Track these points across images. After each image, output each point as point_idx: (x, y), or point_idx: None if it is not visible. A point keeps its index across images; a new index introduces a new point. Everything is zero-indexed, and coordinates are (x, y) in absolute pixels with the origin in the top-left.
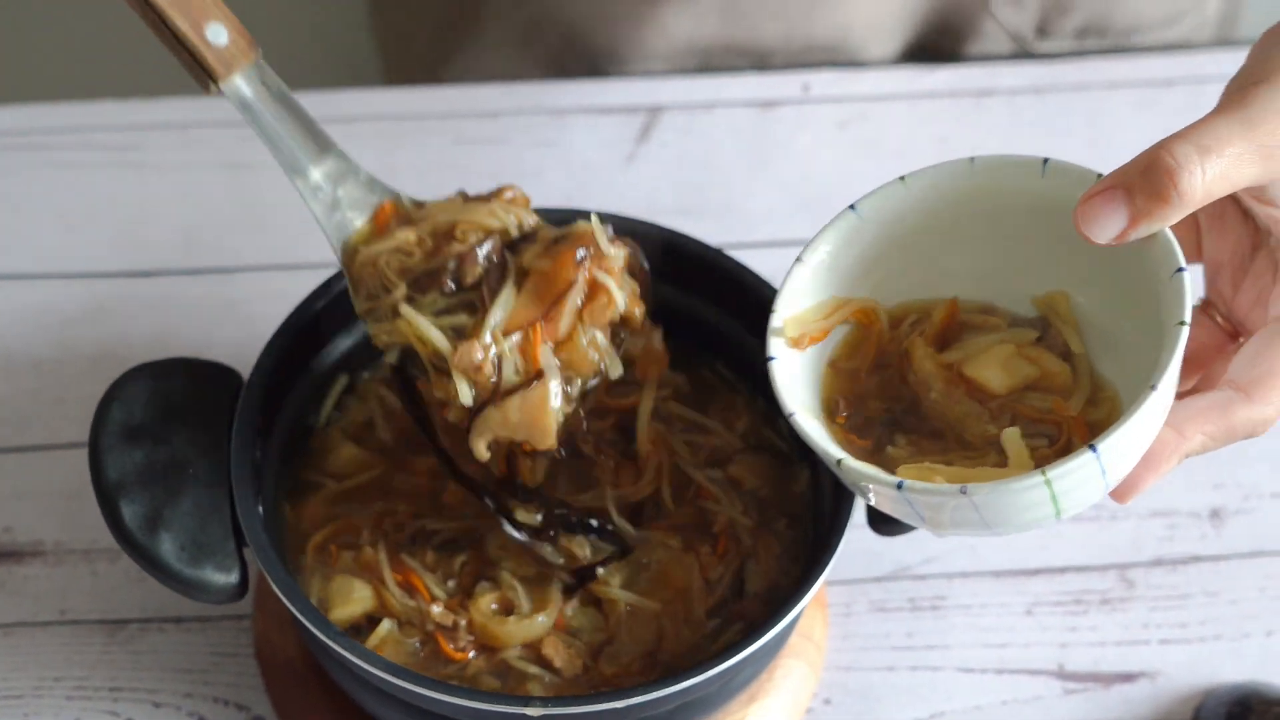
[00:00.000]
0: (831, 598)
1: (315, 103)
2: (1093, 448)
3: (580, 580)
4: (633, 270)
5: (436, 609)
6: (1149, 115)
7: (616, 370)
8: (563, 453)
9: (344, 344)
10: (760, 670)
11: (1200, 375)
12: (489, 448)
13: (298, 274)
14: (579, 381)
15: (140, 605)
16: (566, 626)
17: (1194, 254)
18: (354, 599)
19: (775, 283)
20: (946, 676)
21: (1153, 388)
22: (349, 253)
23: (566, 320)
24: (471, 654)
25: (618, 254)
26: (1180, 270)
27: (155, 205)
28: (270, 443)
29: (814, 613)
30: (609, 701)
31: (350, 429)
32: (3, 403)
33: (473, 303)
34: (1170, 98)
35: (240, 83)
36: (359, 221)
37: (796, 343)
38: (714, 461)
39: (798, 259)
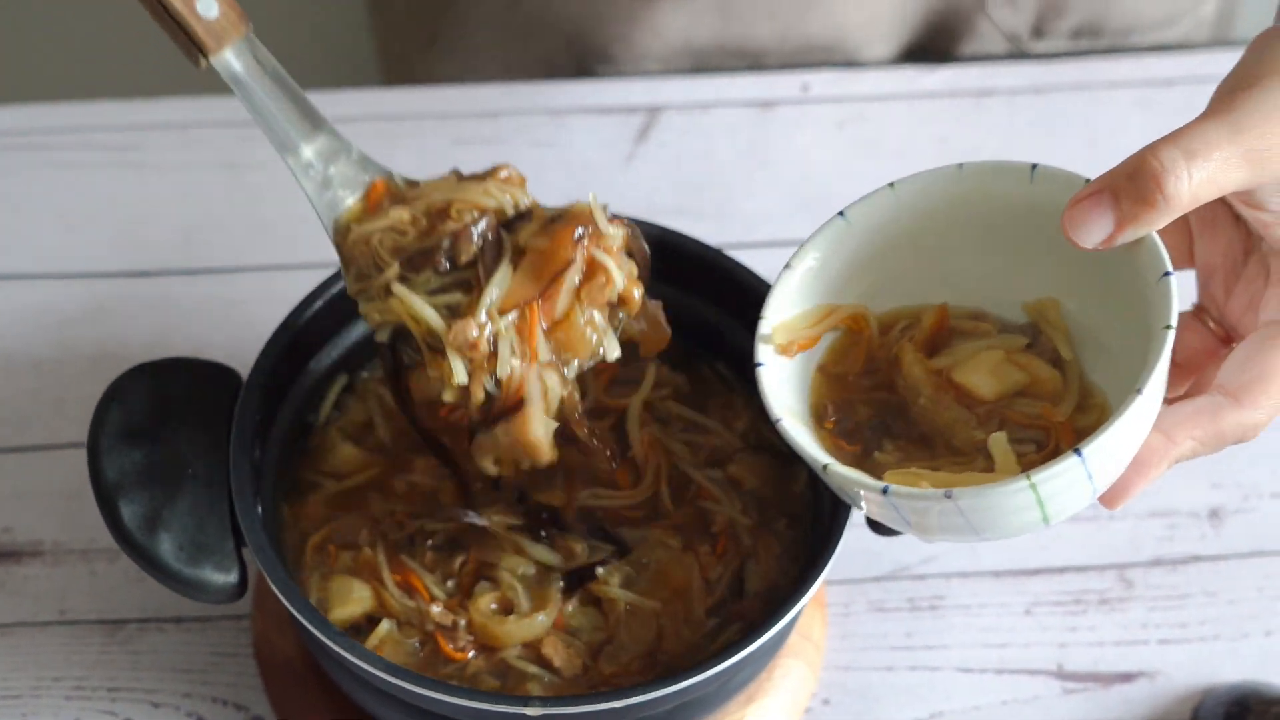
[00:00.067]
0: (830, 597)
1: (314, 103)
2: (1078, 452)
3: (579, 579)
4: (631, 251)
5: (436, 609)
6: (1149, 115)
7: (615, 351)
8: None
9: (343, 344)
10: (759, 670)
11: (1192, 381)
12: (494, 462)
13: (297, 274)
14: (576, 363)
15: (139, 605)
16: (566, 626)
17: (1186, 259)
18: (353, 599)
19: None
20: (945, 676)
21: (1138, 391)
22: (341, 231)
23: (564, 299)
24: (471, 654)
25: (616, 233)
26: (1167, 274)
27: (155, 205)
28: (269, 443)
29: (813, 612)
30: (608, 701)
31: (349, 429)
32: (3, 403)
33: (467, 281)
34: (1170, 98)
35: (231, 57)
36: (351, 200)
37: (785, 350)
38: (713, 461)
39: (786, 265)
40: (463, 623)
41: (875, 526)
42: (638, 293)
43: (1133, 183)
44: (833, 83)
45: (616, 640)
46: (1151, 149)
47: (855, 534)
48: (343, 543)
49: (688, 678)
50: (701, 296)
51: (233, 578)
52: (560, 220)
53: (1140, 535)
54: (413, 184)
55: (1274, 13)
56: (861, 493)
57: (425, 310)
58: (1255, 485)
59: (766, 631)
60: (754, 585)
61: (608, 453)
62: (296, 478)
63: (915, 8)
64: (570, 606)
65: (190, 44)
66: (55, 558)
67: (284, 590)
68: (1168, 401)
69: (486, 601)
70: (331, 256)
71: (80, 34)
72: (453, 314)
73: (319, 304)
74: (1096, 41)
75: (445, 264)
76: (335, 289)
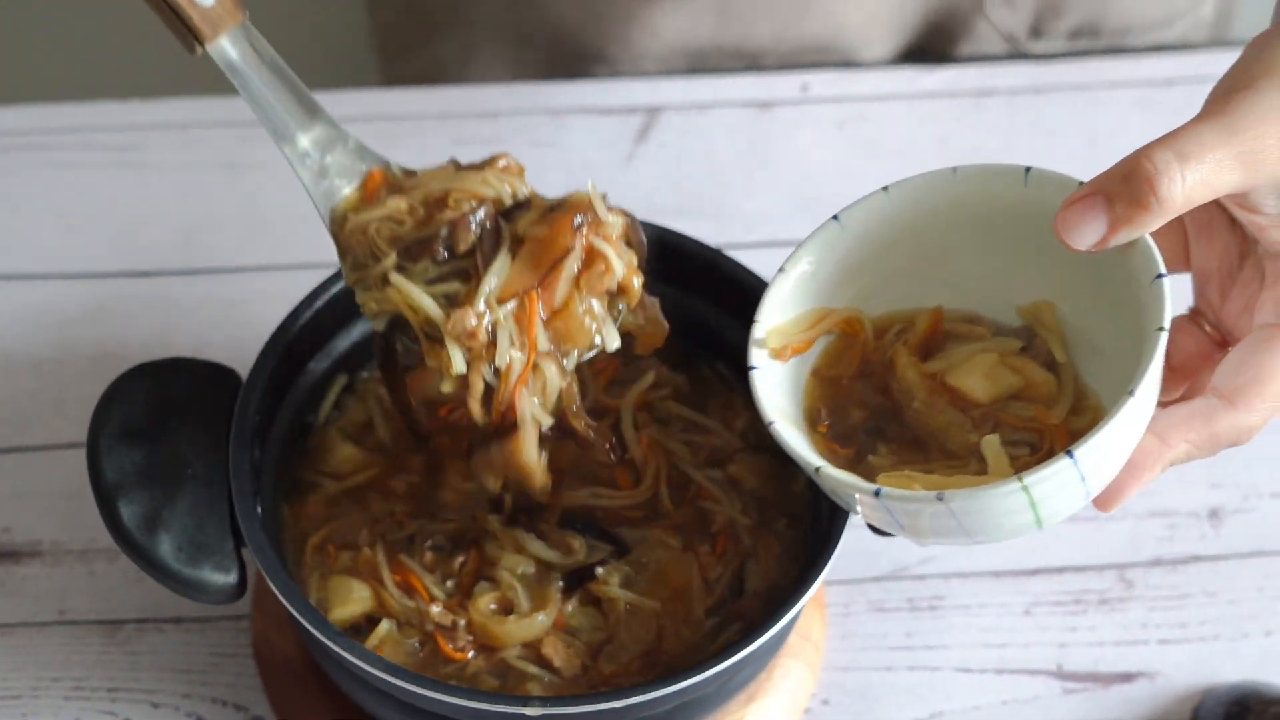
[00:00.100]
0: (830, 597)
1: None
2: (1070, 454)
3: (579, 579)
4: (630, 241)
5: (435, 609)
6: (1148, 115)
7: (614, 342)
8: (555, 432)
9: (342, 344)
10: (759, 670)
11: (1188, 384)
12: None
13: (296, 274)
14: (575, 354)
15: (139, 605)
16: (566, 626)
17: (1182, 263)
18: (353, 599)
19: None
20: (945, 676)
21: (1131, 393)
22: (337, 220)
23: (563, 288)
24: (471, 654)
25: (615, 221)
26: (1160, 276)
27: (155, 205)
28: (269, 443)
29: (812, 612)
30: (608, 701)
31: (349, 429)
32: (3, 403)
33: (466, 270)
34: (1170, 98)
35: (227, 45)
36: (347, 189)
37: (779, 354)
38: (713, 461)
39: (780, 269)
40: (462, 623)
41: (874, 527)
42: (637, 282)
43: (1126, 185)
44: (832, 83)
45: (616, 640)
46: (1145, 151)
47: (855, 534)
48: (342, 543)
49: (687, 678)
50: (701, 296)
51: (232, 578)
52: (559, 209)
53: (1140, 535)
54: (410, 173)
55: (1272, 14)
56: (854, 495)
57: (423, 299)
58: (1255, 485)
59: (766, 631)
60: (754, 585)
61: (607, 445)
62: (296, 478)
63: (913, 8)
64: (570, 606)
65: (186, 31)
66: (55, 558)
67: (284, 590)
68: (1163, 405)
69: (486, 601)
70: (332, 257)
71: (80, 34)
72: (451, 303)
73: (319, 304)
74: (1095, 42)
75: (443, 253)
76: (335, 289)
